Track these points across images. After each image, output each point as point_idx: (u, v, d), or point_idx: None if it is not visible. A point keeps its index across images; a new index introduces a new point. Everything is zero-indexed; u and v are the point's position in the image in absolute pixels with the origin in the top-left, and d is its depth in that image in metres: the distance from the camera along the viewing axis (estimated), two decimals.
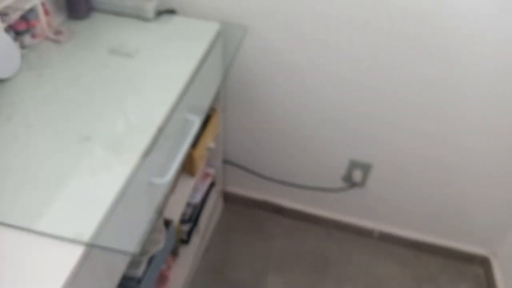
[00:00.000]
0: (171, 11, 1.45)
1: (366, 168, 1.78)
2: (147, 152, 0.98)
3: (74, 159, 0.95)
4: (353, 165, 1.79)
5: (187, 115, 1.18)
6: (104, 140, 1.00)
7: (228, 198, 2.14)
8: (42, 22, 1.31)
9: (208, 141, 1.63)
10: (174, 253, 1.68)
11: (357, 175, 1.80)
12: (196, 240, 1.83)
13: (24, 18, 1.24)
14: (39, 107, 1.08)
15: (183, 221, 1.68)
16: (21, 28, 1.23)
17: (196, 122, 1.16)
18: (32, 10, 1.26)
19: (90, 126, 1.03)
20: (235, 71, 1.63)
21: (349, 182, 1.85)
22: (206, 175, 1.85)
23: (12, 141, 0.98)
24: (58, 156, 0.95)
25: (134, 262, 1.25)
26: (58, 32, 1.33)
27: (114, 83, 1.17)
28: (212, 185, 1.89)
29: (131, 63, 1.24)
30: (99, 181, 0.90)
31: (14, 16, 1.18)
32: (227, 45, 1.48)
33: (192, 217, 1.73)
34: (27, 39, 1.26)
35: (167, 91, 1.15)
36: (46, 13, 1.32)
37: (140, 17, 1.41)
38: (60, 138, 1.00)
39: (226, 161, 1.99)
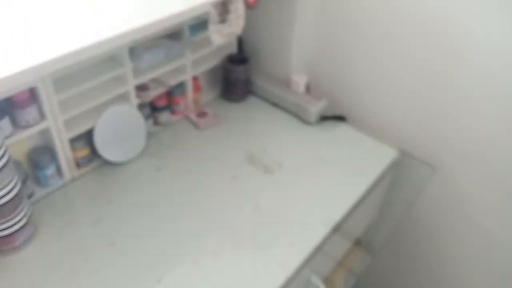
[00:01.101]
0: (339, 118, 1.10)
1: None
2: None
3: None
4: None
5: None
6: None
7: None
8: (188, 99, 1.10)
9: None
10: None
11: None
12: None
13: (168, 92, 1.04)
14: (143, 206, 0.84)
15: None
16: (161, 104, 1.04)
17: None
18: (180, 85, 1.06)
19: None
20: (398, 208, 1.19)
21: None
22: None
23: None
24: None
25: None
26: (201, 114, 1.10)
27: (235, 202, 0.87)
28: None
29: (266, 179, 0.93)
30: None
31: (154, 92, 0.98)
32: (400, 179, 1.07)
33: None
34: (164, 116, 1.06)
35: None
36: (196, 89, 1.11)
37: (299, 117, 1.10)
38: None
39: None
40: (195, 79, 1.10)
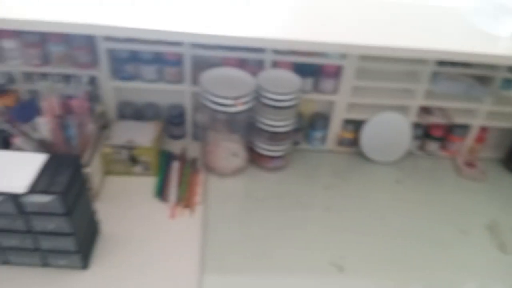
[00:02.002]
0: None
1: None
2: None
3: None
4: None
5: None
6: None
7: None
8: (466, 144, 1.06)
9: None
10: None
11: None
12: None
13: (449, 127, 1.05)
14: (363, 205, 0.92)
15: None
16: (435, 134, 1.05)
17: None
18: (464, 127, 1.04)
19: None
20: None
21: None
22: None
23: None
24: None
25: None
26: (469, 163, 1.05)
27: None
28: None
29: (493, 255, 0.83)
30: None
31: (435, 120, 1.01)
32: None
33: None
34: (432, 146, 1.06)
35: None
36: (479, 140, 1.07)
37: None
38: None
39: None
40: (483, 129, 1.06)
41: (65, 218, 0.63)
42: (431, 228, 0.88)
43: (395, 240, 0.84)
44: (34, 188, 0.60)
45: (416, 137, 1.05)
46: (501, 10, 0.93)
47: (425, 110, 1.02)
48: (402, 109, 1.01)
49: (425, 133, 1.06)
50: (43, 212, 0.62)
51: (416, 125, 1.03)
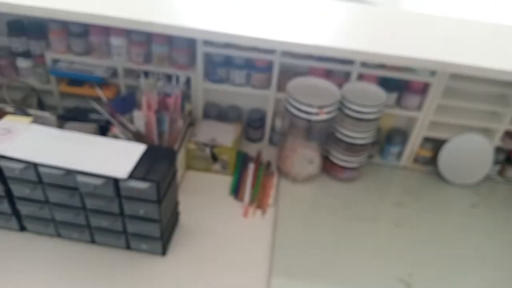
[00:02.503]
0: None
1: None
2: None
3: None
4: None
5: None
6: None
7: None
8: None
9: None
10: None
11: None
12: None
13: None
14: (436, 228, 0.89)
15: None
16: None
17: None
18: None
19: None
20: None
21: None
22: None
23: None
24: None
25: None
26: None
27: None
28: None
29: None
30: None
31: None
32: None
33: None
34: None
35: None
36: None
37: None
38: None
39: None
40: None
41: (156, 205, 0.67)
42: (503, 257, 0.83)
43: (465, 264, 0.81)
44: (134, 175, 0.65)
45: (497, 162, 1.00)
46: None
47: (510, 135, 0.98)
48: (486, 132, 0.97)
49: (507, 158, 1.01)
50: (137, 198, 0.67)
51: (499, 150, 0.98)
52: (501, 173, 1.03)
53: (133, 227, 0.71)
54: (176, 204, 0.78)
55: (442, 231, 0.87)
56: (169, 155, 0.70)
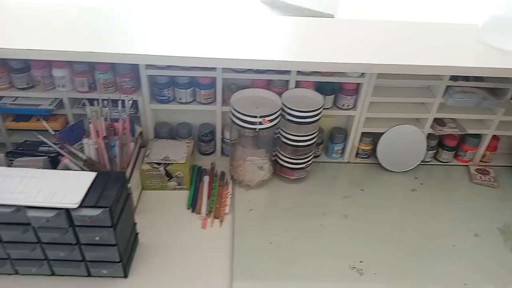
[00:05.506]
0: None
1: None
2: None
3: None
4: None
5: None
6: None
7: None
8: (478, 152, 1.06)
9: None
10: None
11: None
12: None
13: (462, 137, 1.04)
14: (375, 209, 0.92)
15: None
16: (449, 144, 1.04)
17: None
18: (477, 136, 1.03)
19: None
20: None
21: None
22: None
23: None
24: None
25: None
26: (482, 170, 1.04)
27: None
28: None
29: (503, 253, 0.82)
30: None
31: (449, 131, 1.00)
32: None
33: None
34: (446, 155, 1.06)
35: None
36: (491, 148, 1.06)
37: None
38: None
39: None
40: (495, 138, 1.05)
41: (111, 230, 0.65)
42: (446, 233, 0.87)
43: (412, 244, 0.83)
44: (85, 203, 0.63)
45: (430, 148, 1.04)
46: (511, 25, 0.93)
47: (439, 122, 1.02)
48: (417, 122, 1.01)
49: (439, 143, 1.06)
50: (91, 225, 0.64)
51: (431, 136, 1.03)
52: (435, 156, 1.08)
53: (91, 254, 0.68)
54: (133, 225, 0.76)
55: (387, 217, 0.90)
56: (120, 179, 0.68)
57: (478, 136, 1.04)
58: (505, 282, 0.78)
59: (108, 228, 0.65)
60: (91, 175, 0.67)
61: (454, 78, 0.94)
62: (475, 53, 0.92)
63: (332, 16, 3.81)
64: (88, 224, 0.64)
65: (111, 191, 0.65)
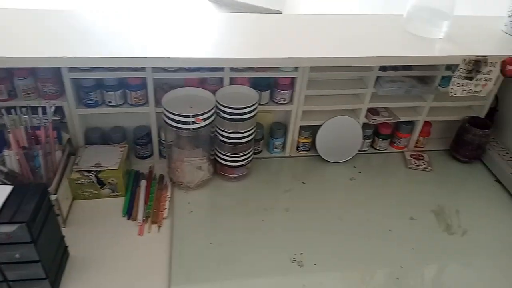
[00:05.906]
0: None
1: None
2: None
3: None
4: None
5: None
6: None
7: None
8: (412, 138, 1.09)
9: None
10: None
11: None
12: None
13: (396, 124, 1.07)
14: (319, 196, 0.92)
15: None
16: (384, 132, 1.07)
17: None
18: (410, 123, 1.06)
19: None
20: None
21: None
22: None
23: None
24: None
25: None
26: (416, 156, 1.08)
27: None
28: None
29: (442, 236, 0.85)
30: None
31: (383, 120, 1.03)
32: None
33: None
34: (382, 143, 1.08)
35: None
36: (424, 134, 1.09)
37: None
38: None
39: None
40: (428, 124, 1.08)
41: (31, 246, 0.60)
42: (383, 218, 0.89)
43: (352, 232, 0.85)
44: None
45: (367, 137, 1.06)
46: (434, 15, 0.96)
47: (373, 112, 1.04)
48: (353, 112, 1.03)
49: (374, 132, 1.08)
50: (9, 242, 0.59)
51: (366, 126, 1.05)
52: (372, 145, 1.10)
53: (13, 273, 0.63)
54: (60, 238, 0.71)
55: (326, 207, 0.91)
56: (40, 192, 0.63)
57: (411, 123, 1.07)
58: (439, 262, 0.81)
59: (28, 244, 0.60)
60: (7, 189, 0.62)
61: (383, 68, 0.97)
62: (402, 43, 0.95)
63: (279, 12, 3.85)
64: (5, 241, 0.59)
65: (29, 205, 0.60)
